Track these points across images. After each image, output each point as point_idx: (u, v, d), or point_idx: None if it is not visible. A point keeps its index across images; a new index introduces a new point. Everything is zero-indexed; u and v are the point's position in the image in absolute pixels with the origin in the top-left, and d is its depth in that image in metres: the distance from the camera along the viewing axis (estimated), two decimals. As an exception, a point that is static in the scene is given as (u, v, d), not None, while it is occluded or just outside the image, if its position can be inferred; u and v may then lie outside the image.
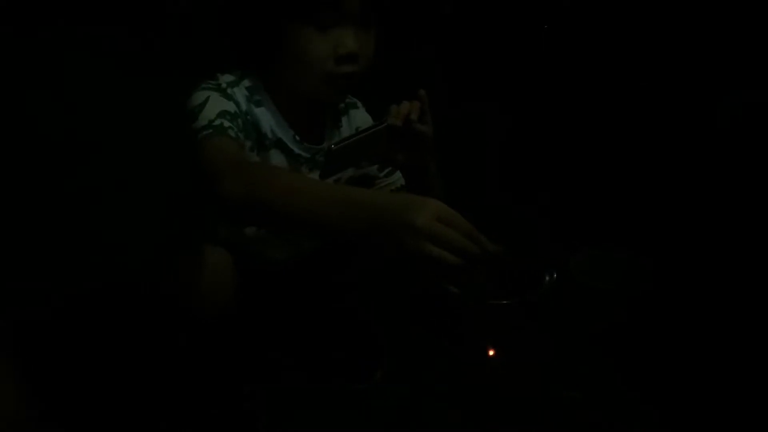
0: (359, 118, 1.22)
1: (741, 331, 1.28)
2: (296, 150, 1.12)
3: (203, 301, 1.04)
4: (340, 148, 0.95)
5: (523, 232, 1.49)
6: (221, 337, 1.09)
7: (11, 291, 1.29)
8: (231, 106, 1.03)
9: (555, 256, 1.40)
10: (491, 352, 1.29)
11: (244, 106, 1.06)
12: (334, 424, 1.12)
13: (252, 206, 0.85)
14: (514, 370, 1.24)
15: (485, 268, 1.25)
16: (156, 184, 1.38)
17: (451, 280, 1.20)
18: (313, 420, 1.13)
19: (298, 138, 1.12)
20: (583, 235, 1.52)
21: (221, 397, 1.12)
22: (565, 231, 1.56)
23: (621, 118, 1.79)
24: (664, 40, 1.71)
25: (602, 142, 1.79)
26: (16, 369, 1.02)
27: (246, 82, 1.08)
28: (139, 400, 1.10)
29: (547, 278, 1.33)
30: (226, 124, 0.99)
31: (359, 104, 1.24)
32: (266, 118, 1.09)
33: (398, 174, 1.24)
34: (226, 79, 1.07)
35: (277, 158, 1.11)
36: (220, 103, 1.02)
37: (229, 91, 1.05)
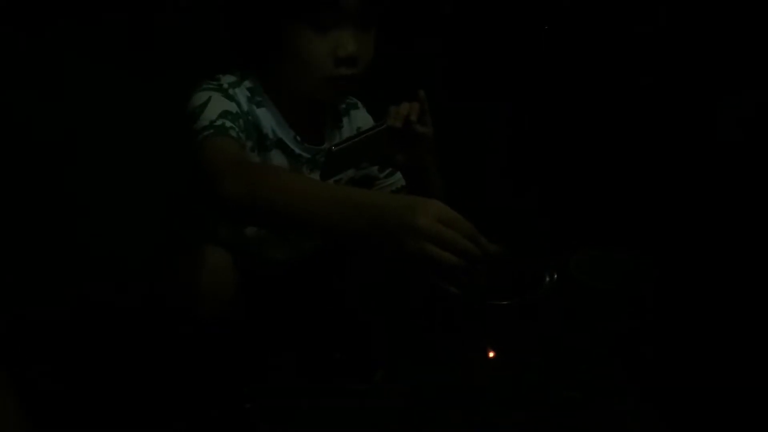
0: (360, 118, 1.22)
1: (741, 331, 1.28)
2: (297, 150, 1.12)
3: (203, 302, 1.04)
4: (341, 149, 0.95)
5: (523, 233, 1.49)
6: (222, 337, 1.09)
7: (10, 292, 1.30)
8: (232, 107, 1.03)
9: (555, 257, 1.39)
10: (491, 354, 1.29)
11: (245, 107, 1.06)
12: (334, 424, 1.12)
13: (252, 207, 0.84)
14: (514, 370, 1.24)
15: (485, 268, 1.26)
16: (155, 185, 1.38)
17: (451, 281, 1.20)
18: (313, 420, 1.13)
19: (299, 138, 1.12)
20: (584, 235, 1.52)
21: (221, 397, 1.12)
22: (566, 231, 1.56)
23: (621, 118, 1.78)
24: (665, 40, 1.71)
25: (602, 142, 1.79)
26: (13, 377, 1.02)
27: (247, 83, 1.09)
28: (140, 400, 1.10)
29: (548, 278, 1.33)
30: (228, 124, 0.98)
31: (360, 104, 1.24)
32: (267, 119, 1.09)
33: (398, 175, 1.24)
34: (227, 79, 1.07)
35: (278, 158, 1.11)
36: (221, 103, 1.02)
37: (230, 91, 1.05)
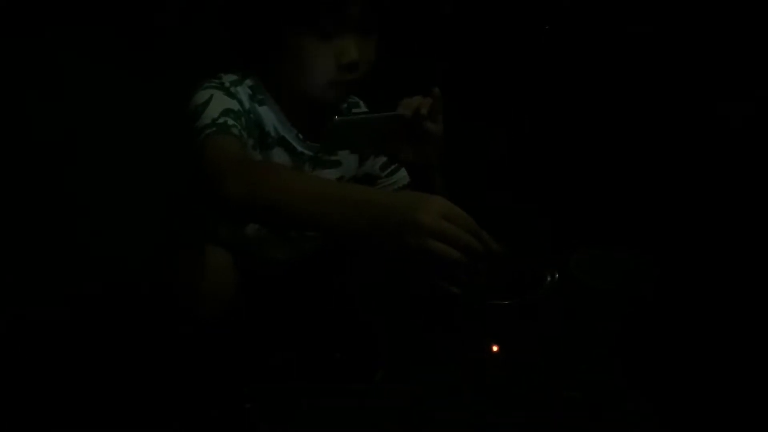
0: None
1: (742, 331, 1.28)
2: (299, 148, 1.13)
3: (203, 301, 1.04)
4: (344, 120, 0.96)
5: (523, 232, 1.49)
6: (222, 337, 1.09)
7: (10, 292, 1.29)
8: (235, 105, 1.03)
9: (555, 256, 1.39)
10: (495, 348, 1.29)
11: (247, 105, 1.06)
12: (335, 424, 1.12)
13: (254, 205, 0.84)
14: (515, 370, 1.24)
15: (486, 267, 1.26)
16: (156, 185, 1.38)
17: (454, 277, 1.21)
18: (313, 420, 1.12)
19: (301, 136, 1.13)
20: (584, 235, 1.52)
21: (221, 397, 1.12)
22: (566, 231, 1.56)
23: (622, 118, 1.79)
24: (666, 40, 1.71)
25: (603, 142, 1.79)
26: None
27: (249, 81, 1.09)
28: (140, 400, 1.10)
29: (548, 278, 1.33)
30: (230, 122, 0.98)
31: (361, 104, 1.24)
32: (269, 117, 1.10)
33: (400, 174, 1.24)
34: (228, 78, 1.07)
35: (280, 156, 1.11)
36: (223, 101, 1.02)
37: (232, 89, 1.05)
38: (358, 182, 1.22)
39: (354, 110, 1.21)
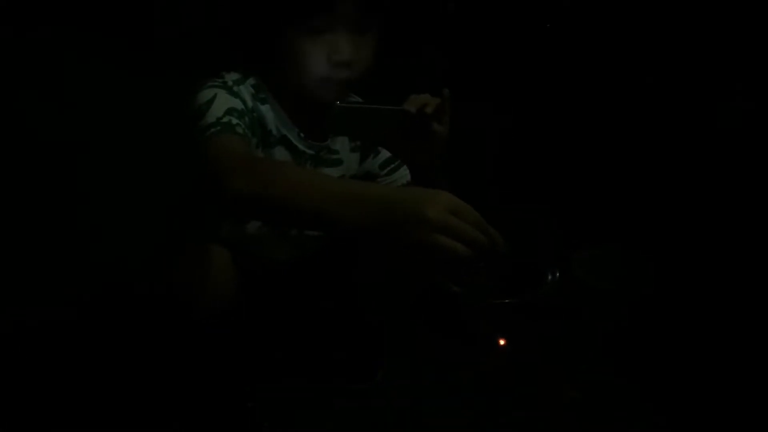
0: None
1: (742, 330, 1.28)
2: (301, 147, 1.13)
3: (204, 300, 1.04)
4: (346, 108, 0.96)
5: (525, 231, 1.49)
6: (223, 336, 1.09)
7: (9, 293, 1.29)
8: (238, 104, 1.03)
9: (557, 255, 1.40)
10: (502, 342, 1.28)
11: (250, 104, 1.07)
12: (336, 423, 1.12)
13: (260, 202, 0.85)
14: (515, 369, 1.24)
15: (488, 266, 1.26)
16: (157, 184, 1.38)
17: (457, 275, 1.21)
18: (314, 420, 1.12)
19: (302, 135, 1.13)
20: (585, 234, 1.53)
21: (224, 396, 1.12)
22: (567, 230, 1.57)
23: (623, 117, 1.79)
24: (666, 39, 1.71)
25: (604, 141, 1.79)
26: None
27: (251, 80, 1.09)
28: (141, 399, 1.10)
29: (549, 277, 1.33)
30: (234, 121, 0.99)
31: (361, 101, 1.24)
32: (271, 116, 1.10)
33: (400, 173, 1.24)
34: (231, 77, 1.07)
35: (281, 155, 1.12)
36: (227, 100, 1.02)
37: (235, 88, 1.05)
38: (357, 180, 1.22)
39: (350, 100, 1.20)
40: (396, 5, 1.11)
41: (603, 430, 1.12)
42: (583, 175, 1.77)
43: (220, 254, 1.07)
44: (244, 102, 1.05)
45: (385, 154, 1.23)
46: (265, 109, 1.09)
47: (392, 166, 1.25)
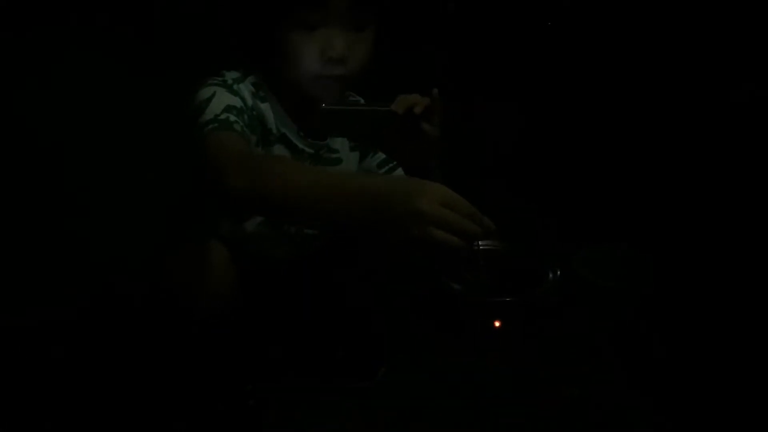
0: None
1: (743, 329, 1.28)
2: (300, 145, 1.13)
3: (203, 297, 1.04)
4: (332, 109, 0.97)
5: (525, 230, 1.49)
6: (224, 334, 1.09)
7: (9, 294, 1.29)
8: (237, 101, 1.03)
9: (558, 254, 1.39)
10: (497, 324, 1.28)
11: (249, 101, 1.07)
12: (337, 422, 1.12)
13: (257, 197, 0.86)
14: (515, 366, 1.24)
15: (488, 264, 1.26)
16: (157, 182, 1.38)
17: (458, 263, 1.22)
18: (315, 418, 1.12)
19: (302, 133, 1.13)
20: (586, 232, 1.52)
21: (225, 394, 1.12)
22: (568, 228, 1.56)
23: (623, 115, 1.78)
24: (668, 37, 1.71)
25: (605, 139, 1.79)
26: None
27: (251, 78, 1.09)
28: (142, 397, 1.10)
29: (550, 275, 1.33)
30: (232, 118, 0.99)
31: (362, 101, 1.24)
32: (270, 114, 1.10)
33: (398, 172, 1.24)
34: (231, 75, 1.08)
35: (281, 153, 1.12)
36: (226, 98, 1.02)
37: (234, 87, 1.06)
38: None
39: (350, 100, 1.20)
40: (392, 2, 1.11)
41: (604, 428, 1.12)
42: (584, 173, 1.77)
43: (219, 253, 1.07)
44: (243, 100, 1.05)
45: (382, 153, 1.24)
46: (265, 108, 1.09)
47: (390, 165, 1.25)
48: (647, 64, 1.76)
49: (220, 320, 1.07)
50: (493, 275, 1.37)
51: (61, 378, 1.14)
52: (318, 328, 1.25)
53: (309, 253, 1.22)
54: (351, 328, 1.25)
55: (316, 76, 1.04)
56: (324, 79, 1.04)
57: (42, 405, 1.10)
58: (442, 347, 1.29)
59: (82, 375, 1.15)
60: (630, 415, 1.13)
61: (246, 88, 1.07)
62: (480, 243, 1.38)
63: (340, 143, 1.20)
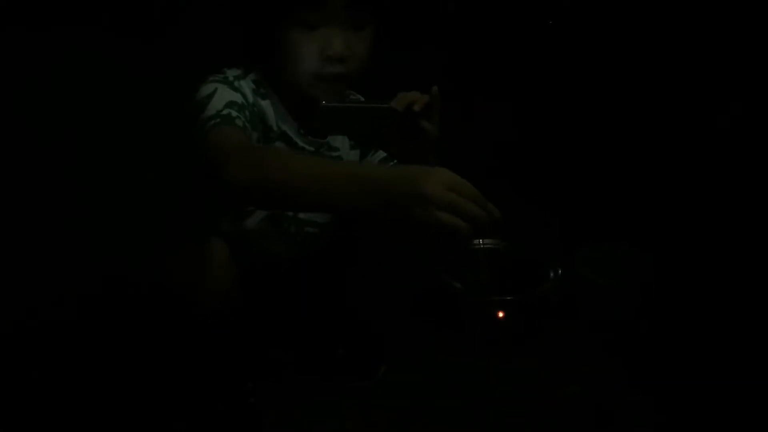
0: None
1: (744, 328, 1.28)
2: (300, 143, 1.13)
3: (203, 294, 1.04)
4: (331, 107, 0.96)
5: (526, 229, 1.49)
6: (224, 332, 1.09)
7: (11, 293, 1.29)
8: (238, 98, 1.04)
9: (559, 252, 1.39)
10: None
11: (250, 98, 1.07)
12: (337, 421, 1.12)
13: (258, 188, 0.86)
14: (517, 365, 1.24)
15: (489, 263, 1.26)
16: (158, 179, 1.38)
17: (460, 246, 1.22)
18: (315, 417, 1.12)
19: (302, 131, 1.13)
20: (587, 231, 1.52)
21: (225, 393, 1.12)
22: (570, 227, 1.56)
23: (624, 115, 1.78)
24: (669, 39, 1.71)
25: (606, 139, 1.79)
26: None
27: (252, 76, 1.10)
28: (143, 397, 1.10)
29: (552, 274, 1.33)
30: (234, 114, 1.00)
31: (361, 99, 1.24)
32: (271, 111, 1.10)
33: None
34: (232, 72, 1.08)
35: None
36: (227, 94, 1.03)
37: (236, 83, 1.06)
38: None
39: (350, 98, 1.20)
40: (391, 2, 1.11)
41: (604, 427, 1.12)
42: (585, 172, 1.77)
43: (219, 250, 1.07)
44: (244, 96, 1.05)
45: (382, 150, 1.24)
46: (266, 105, 1.09)
47: (392, 163, 1.24)
48: (648, 63, 1.76)
49: (220, 318, 1.07)
50: (493, 274, 1.37)
51: (62, 378, 1.14)
52: (318, 326, 1.25)
53: (309, 252, 1.22)
54: (351, 327, 1.25)
55: (315, 75, 1.04)
56: (323, 78, 1.05)
57: (42, 405, 1.10)
58: (443, 346, 1.29)
59: (83, 375, 1.15)
60: (631, 414, 1.13)
61: (247, 85, 1.08)
62: (481, 242, 1.40)
63: (340, 141, 1.20)
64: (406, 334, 1.31)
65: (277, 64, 1.07)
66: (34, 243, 1.45)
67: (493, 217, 0.83)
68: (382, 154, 1.24)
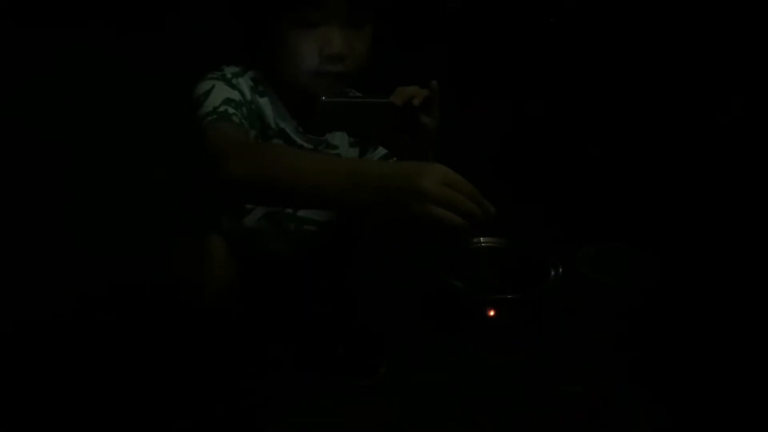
0: None
1: (746, 326, 1.28)
2: (299, 141, 1.13)
3: (203, 290, 1.04)
4: (332, 102, 0.96)
5: (528, 228, 1.49)
6: (224, 330, 1.09)
7: (11, 289, 1.29)
8: (236, 95, 1.03)
9: (560, 252, 1.39)
10: (491, 313, 1.29)
11: (248, 96, 1.07)
12: (337, 420, 1.12)
13: (257, 184, 0.86)
14: (518, 364, 1.23)
15: (490, 261, 1.25)
16: (158, 177, 1.38)
17: (455, 241, 1.22)
18: (315, 416, 1.12)
19: (300, 129, 1.12)
20: (589, 230, 1.52)
21: (225, 391, 1.12)
22: (571, 226, 1.56)
23: (626, 115, 1.78)
24: (670, 37, 1.71)
25: (608, 138, 1.79)
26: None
27: (250, 73, 1.10)
28: (144, 396, 1.10)
29: (553, 273, 1.33)
30: (231, 110, 0.99)
31: (361, 95, 1.23)
32: (269, 109, 1.10)
33: None
34: (230, 69, 1.08)
35: None
36: (225, 91, 1.03)
37: (233, 81, 1.06)
38: None
39: (350, 95, 1.20)
40: (391, 0, 1.11)
41: (607, 426, 1.12)
42: (586, 171, 1.77)
43: (218, 248, 1.07)
44: (242, 94, 1.05)
45: (383, 148, 1.23)
46: (264, 102, 1.09)
47: (391, 161, 1.24)
48: (649, 63, 1.76)
49: (220, 316, 1.07)
50: (494, 273, 1.37)
51: (62, 376, 1.15)
52: (318, 325, 1.24)
53: (309, 250, 1.21)
54: (351, 326, 1.25)
55: (315, 73, 1.04)
56: (323, 77, 1.05)
57: (43, 404, 1.10)
58: (443, 345, 1.29)
59: (83, 372, 1.15)
60: (633, 412, 1.13)
61: (245, 83, 1.07)
62: (482, 240, 1.39)
63: (339, 139, 1.19)
64: (407, 332, 1.31)
65: (276, 63, 1.07)
66: (32, 240, 1.45)
67: (488, 214, 0.83)
68: (381, 152, 1.23)
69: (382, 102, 0.98)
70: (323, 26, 1.02)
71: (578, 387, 1.18)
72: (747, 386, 1.16)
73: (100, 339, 1.21)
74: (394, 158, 1.22)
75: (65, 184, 1.54)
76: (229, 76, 1.06)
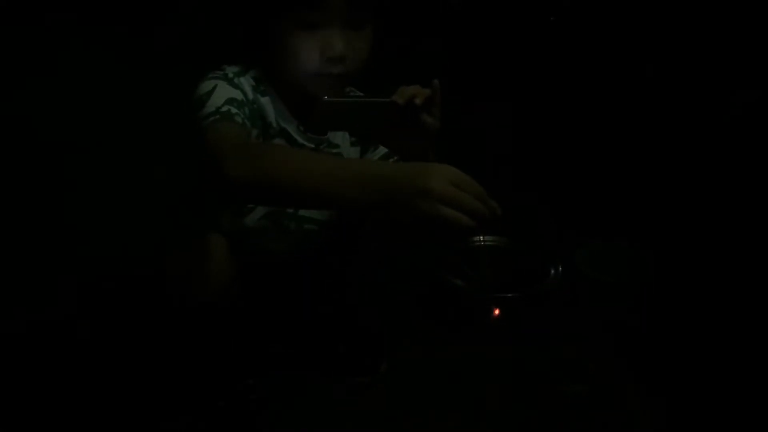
0: None
1: (746, 325, 1.28)
2: (300, 140, 1.13)
3: (201, 292, 1.04)
4: (333, 101, 0.95)
5: (528, 226, 1.49)
6: (224, 328, 1.09)
7: (11, 289, 1.29)
8: (238, 94, 1.03)
9: (560, 250, 1.39)
10: (492, 311, 1.29)
11: (250, 95, 1.07)
12: (337, 417, 1.12)
13: (259, 185, 0.86)
14: (519, 362, 1.23)
15: (491, 260, 1.25)
16: (159, 176, 1.38)
17: (461, 241, 1.22)
18: (315, 414, 1.12)
19: (302, 128, 1.13)
20: (589, 229, 1.52)
21: (226, 389, 1.12)
22: (571, 224, 1.56)
23: (625, 112, 1.78)
24: (671, 35, 1.71)
25: (607, 136, 1.79)
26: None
27: (252, 73, 1.10)
28: (145, 394, 1.10)
29: (553, 271, 1.33)
30: (233, 110, 0.99)
31: (362, 95, 1.23)
32: (271, 108, 1.10)
33: None
34: (232, 69, 1.08)
35: None
36: (227, 91, 1.03)
37: (235, 80, 1.06)
38: None
39: (351, 93, 1.20)
40: (391, 1, 1.11)
41: (607, 423, 1.12)
42: (585, 169, 1.77)
43: (219, 247, 1.07)
44: (244, 93, 1.05)
45: (384, 148, 1.23)
46: (265, 102, 1.09)
47: (392, 160, 1.24)
48: (648, 62, 1.76)
49: (220, 315, 1.07)
50: (495, 271, 1.37)
51: (63, 375, 1.15)
52: (319, 323, 1.24)
53: (309, 249, 1.21)
54: (352, 324, 1.25)
55: (315, 74, 1.04)
56: (323, 77, 1.05)
57: (43, 403, 1.10)
58: (444, 343, 1.29)
59: (84, 371, 1.15)
60: (633, 409, 1.13)
61: (247, 82, 1.08)
62: (483, 239, 1.40)
63: (340, 138, 1.20)
64: (407, 330, 1.31)
65: (277, 63, 1.07)
66: (32, 239, 1.45)
67: (494, 213, 0.83)
68: (382, 151, 1.23)
69: (384, 101, 0.98)
70: (324, 27, 1.02)
71: (578, 387, 1.18)
72: (747, 385, 1.16)
73: (102, 337, 1.21)
74: (395, 157, 1.22)
75: (66, 184, 1.54)
76: (230, 75, 1.06)
